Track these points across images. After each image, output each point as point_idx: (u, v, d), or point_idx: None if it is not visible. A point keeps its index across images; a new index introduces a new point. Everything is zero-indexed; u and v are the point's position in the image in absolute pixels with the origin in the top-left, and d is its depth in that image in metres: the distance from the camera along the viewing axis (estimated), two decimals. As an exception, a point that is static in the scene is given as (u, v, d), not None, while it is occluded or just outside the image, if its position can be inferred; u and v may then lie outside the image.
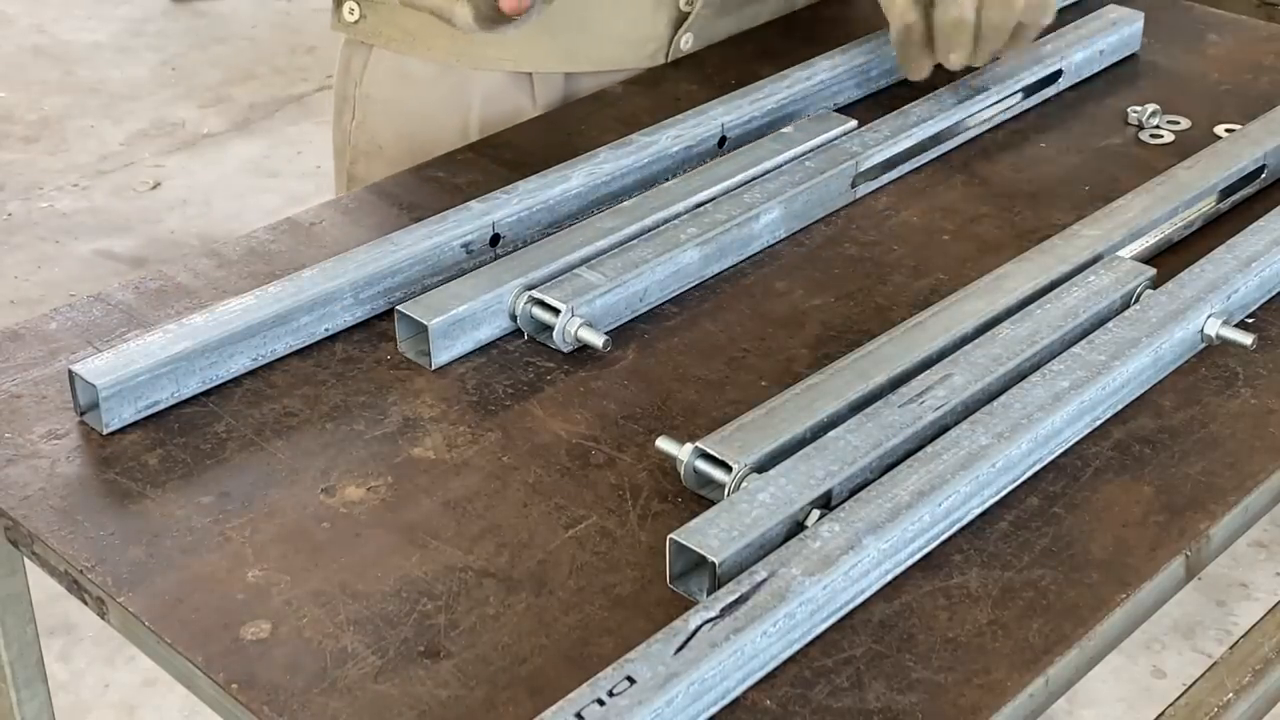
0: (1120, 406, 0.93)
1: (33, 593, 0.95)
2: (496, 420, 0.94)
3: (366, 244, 1.03)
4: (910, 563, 0.82)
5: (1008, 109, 1.24)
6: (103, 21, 4.25)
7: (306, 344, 0.99)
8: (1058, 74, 1.27)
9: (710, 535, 0.79)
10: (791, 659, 0.77)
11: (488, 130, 1.28)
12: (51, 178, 3.55)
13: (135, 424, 0.93)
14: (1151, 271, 1.00)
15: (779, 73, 1.24)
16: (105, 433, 0.92)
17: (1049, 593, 0.81)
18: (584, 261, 1.02)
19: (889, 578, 0.81)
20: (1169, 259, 1.05)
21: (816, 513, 0.82)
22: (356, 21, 1.31)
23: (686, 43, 1.31)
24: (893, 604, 0.80)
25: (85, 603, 0.84)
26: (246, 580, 0.82)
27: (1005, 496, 0.87)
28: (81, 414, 0.93)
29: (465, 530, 0.85)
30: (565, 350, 0.98)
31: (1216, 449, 0.90)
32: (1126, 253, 1.04)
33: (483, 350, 0.99)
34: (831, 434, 0.86)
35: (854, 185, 1.14)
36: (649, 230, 1.06)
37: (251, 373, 0.97)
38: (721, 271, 1.07)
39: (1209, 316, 0.97)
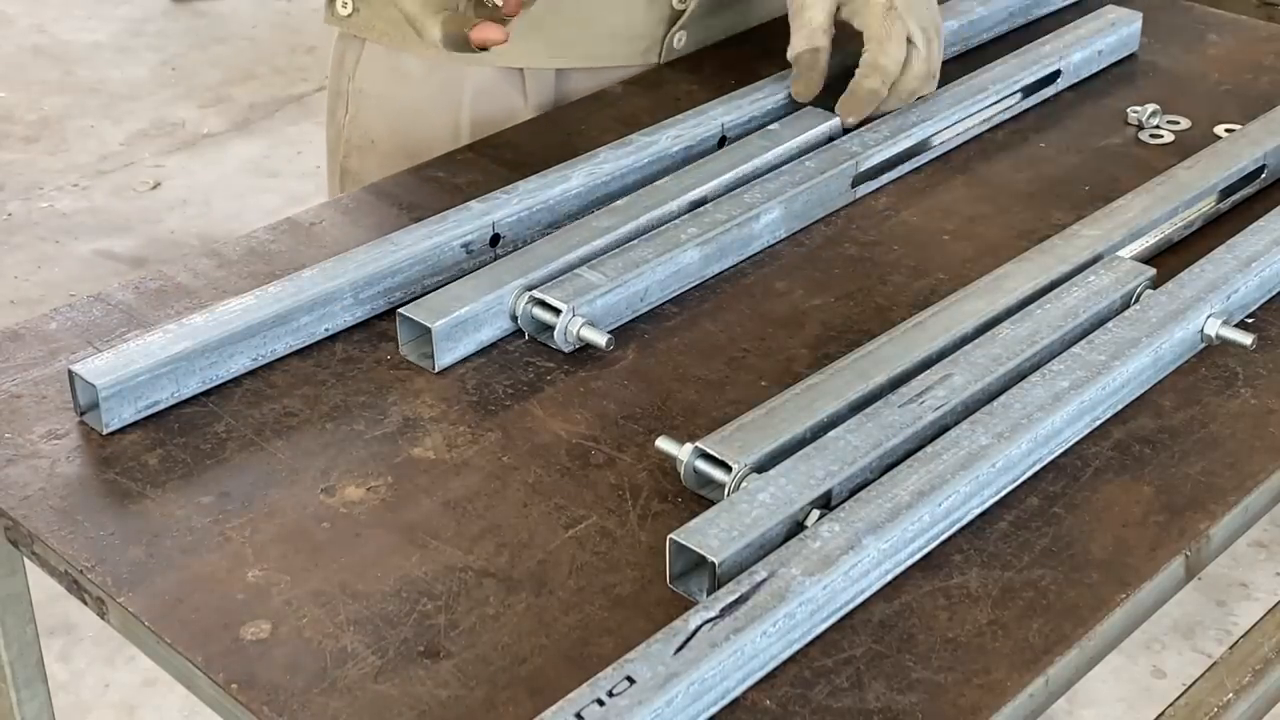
0: (1120, 406, 0.93)
1: (33, 593, 0.95)
2: (496, 420, 0.94)
3: (366, 244, 1.03)
4: (910, 563, 0.82)
5: (1007, 109, 1.24)
6: (103, 21, 4.25)
7: (306, 344, 0.99)
8: (1057, 74, 1.27)
9: (710, 535, 0.79)
10: (791, 659, 0.77)
11: (479, 126, 1.28)
12: (51, 178, 3.55)
13: (135, 424, 0.93)
14: (1151, 271, 1.00)
15: (779, 73, 1.24)
16: (105, 433, 0.92)
17: (1049, 593, 0.81)
18: (583, 261, 1.02)
19: (889, 578, 0.81)
20: (1169, 259, 1.05)
21: (816, 513, 0.82)
22: (349, 15, 1.30)
23: (679, 40, 1.30)
24: (893, 604, 0.80)
25: (85, 603, 0.84)
26: (246, 580, 0.82)
27: (1005, 496, 0.87)
28: (81, 414, 0.93)
29: (465, 530, 0.85)
30: (566, 350, 0.98)
31: (1216, 449, 0.90)
32: (1126, 253, 1.04)
33: (483, 350, 0.99)
34: (831, 434, 0.86)
35: (854, 185, 1.14)
36: (646, 229, 1.06)
37: (251, 373, 0.97)
38: (722, 271, 1.07)
39: (1209, 316, 0.97)
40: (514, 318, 1.00)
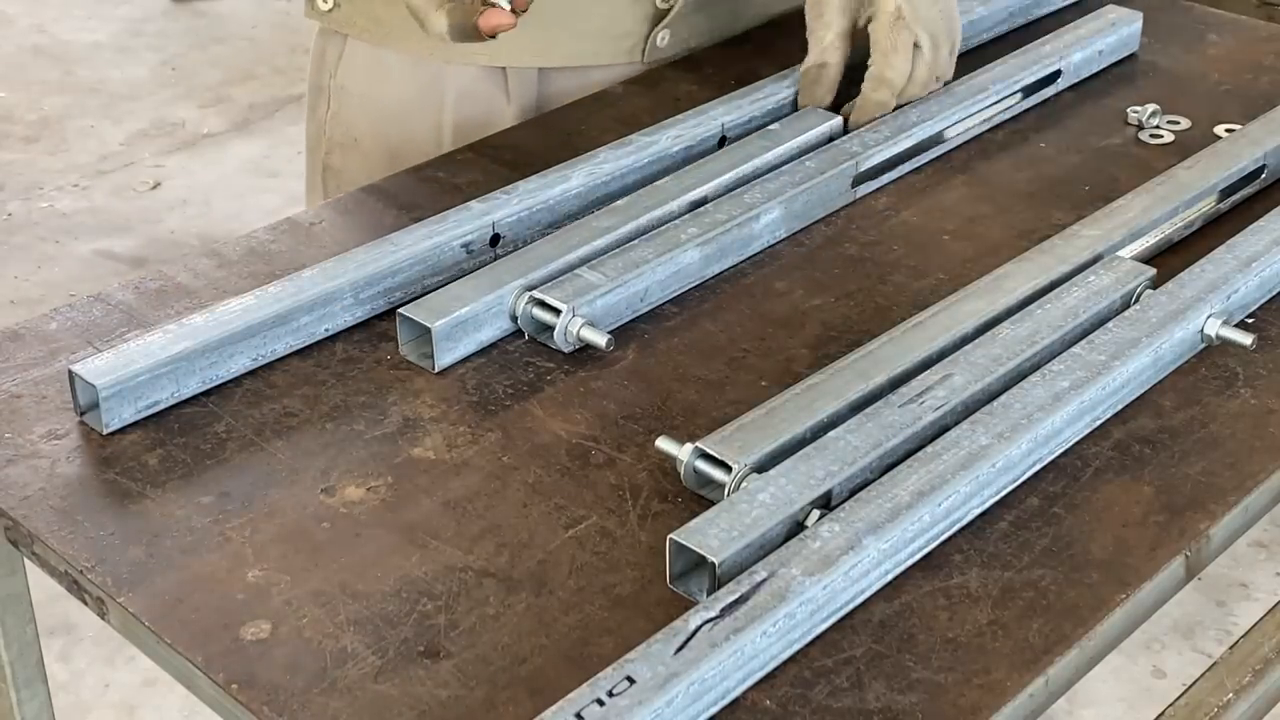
0: (1120, 406, 0.93)
1: (33, 593, 0.95)
2: (496, 420, 0.94)
3: (366, 244, 1.03)
4: (910, 563, 0.82)
5: (1007, 109, 1.24)
6: (103, 21, 4.25)
7: (306, 344, 0.99)
8: (1057, 74, 1.27)
9: (710, 535, 0.79)
10: (791, 659, 0.77)
11: (462, 126, 1.27)
12: (51, 178, 3.55)
13: (135, 424, 0.93)
14: (1151, 271, 1.00)
15: (779, 73, 1.24)
16: (105, 433, 0.92)
17: (1049, 593, 0.81)
18: (583, 261, 1.02)
19: (889, 578, 0.81)
20: (1169, 259, 1.05)
21: (816, 513, 0.82)
22: (330, 10, 1.30)
23: (663, 39, 1.30)
24: (893, 604, 0.80)
25: (85, 603, 0.84)
26: (246, 580, 0.82)
27: (1005, 496, 0.87)
28: (81, 414, 0.93)
29: (465, 530, 0.86)
30: (566, 350, 0.98)
31: (1216, 449, 0.90)
32: (1126, 253, 1.04)
33: (483, 350, 0.99)
34: (831, 434, 0.86)
35: (854, 185, 1.14)
36: (646, 229, 1.06)
37: (251, 373, 0.97)
38: (722, 271, 1.07)
39: (1209, 316, 0.97)
40: (514, 318, 1.00)
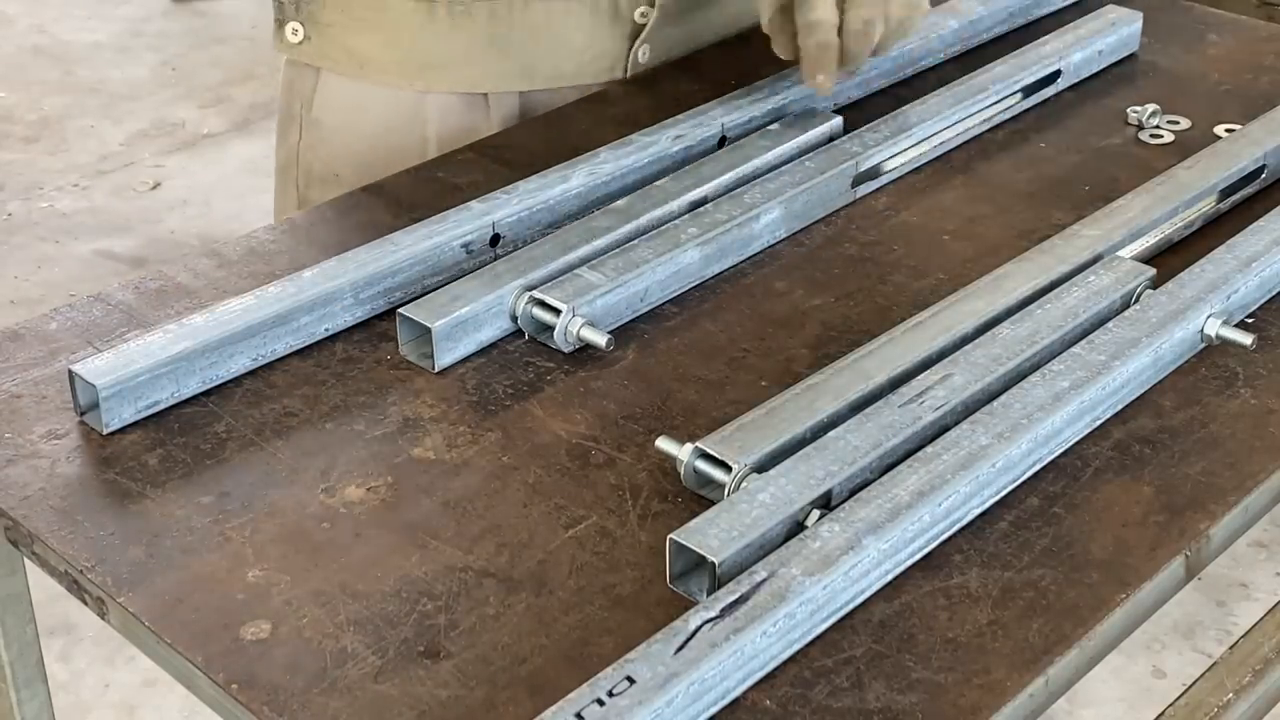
0: (1120, 406, 0.93)
1: (33, 593, 0.95)
2: (496, 420, 0.94)
3: (366, 244, 1.03)
4: (910, 563, 0.82)
5: (1007, 109, 1.24)
6: (103, 21, 4.25)
7: (306, 344, 0.99)
8: (1057, 74, 1.27)
9: (710, 535, 0.79)
10: (791, 659, 0.77)
11: (446, 151, 1.25)
12: (51, 178, 3.55)
13: (135, 424, 0.93)
14: (1151, 271, 1.00)
15: (779, 73, 1.24)
16: (105, 433, 0.92)
17: (1049, 593, 0.81)
18: (583, 262, 1.02)
19: (889, 578, 0.81)
20: (1169, 259, 1.05)
21: (816, 513, 0.82)
22: (300, 43, 1.27)
23: (644, 55, 1.29)
24: (893, 604, 0.80)
25: (85, 603, 0.84)
26: (246, 580, 0.82)
27: (1005, 496, 0.87)
28: (81, 414, 0.93)
29: (465, 530, 0.86)
30: (566, 350, 0.98)
31: (1216, 449, 0.90)
32: (1126, 253, 1.04)
33: (483, 350, 0.99)
34: (831, 434, 0.86)
35: (854, 185, 1.14)
36: (646, 229, 1.06)
37: (251, 373, 0.97)
38: (722, 272, 1.07)
39: (1209, 316, 0.97)
40: (514, 318, 1.00)
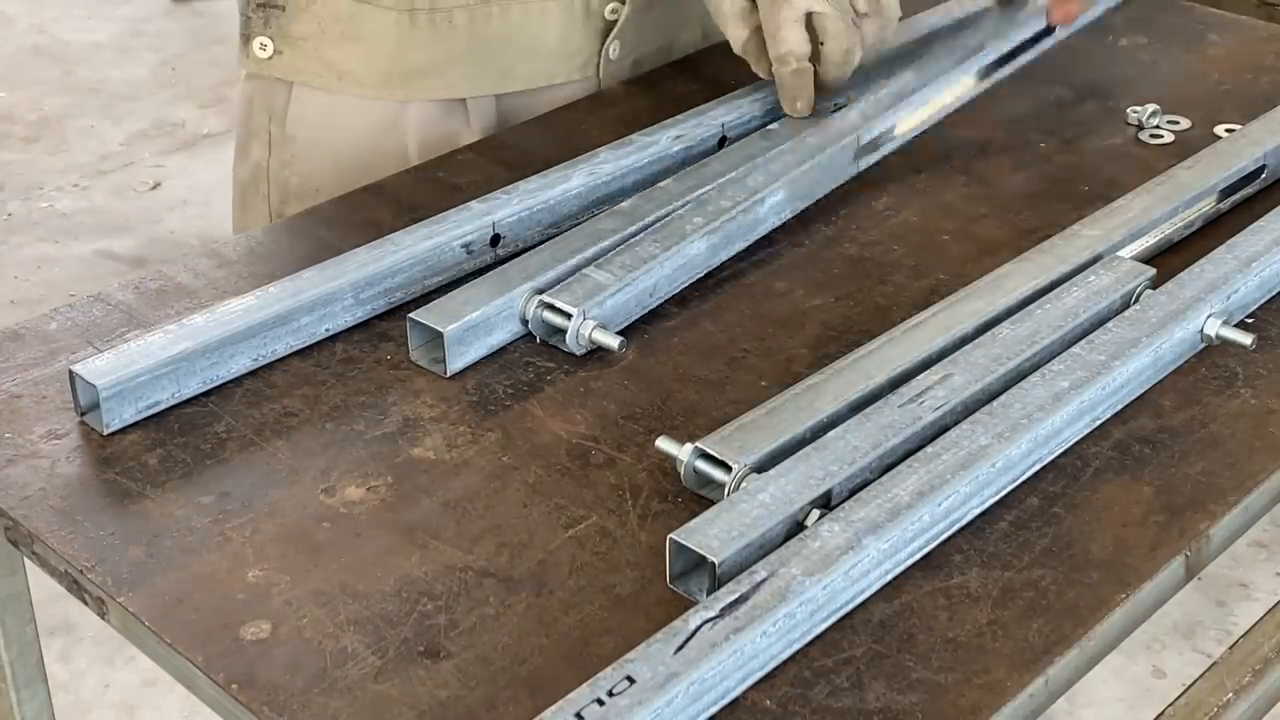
0: (1120, 406, 0.93)
1: (33, 593, 0.95)
2: (496, 420, 0.94)
3: (366, 244, 1.03)
4: (910, 563, 0.82)
5: (1008, 66, 1.26)
6: (103, 21, 4.25)
7: (307, 344, 0.99)
8: (1050, 30, 1.27)
9: (710, 535, 0.79)
10: (791, 659, 0.77)
11: (427, 158, 1.24)
12: (51, 178, 3.55)
13: (135, 424, 0.93)
14: (1151, 271, 1.00)
15: (779, 73, 1.23)
16: (105, 433, 0.92)
17: (1049, 593, 0.81)
18: (590, 262, 1.02)
19: (889, 578, 0.81)
20: (1169, 259, 1.05)
21: (816, 513, 0.82)
22: (269, 58, 1.25)
23: (614, 51, 1.28)
24: (893, 604, 0.80)
25: (85, 603, 0.84)
26: (246, 580, 0.82)
27: (1005, 496, 0.87)
28: (82, 414, 0.93)
29: (465, 530, 0.86)
30: (579, 353, 0.98)
31: (1216, 449, 0.90)
32: (1126, 253, 1.04)
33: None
34: (831, 434, 0.86)
35: (856, 158, 1.14)
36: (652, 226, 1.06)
37: (252, 373, 0.97)
38: (727, 261, 1.06)
39: (1209, 316, 0.97)
40: (524, 321, 0.99)
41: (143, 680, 2.23)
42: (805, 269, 1.07)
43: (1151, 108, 1.24)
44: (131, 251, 3.27)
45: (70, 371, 0.93)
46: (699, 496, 0.87)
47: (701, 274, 1.05)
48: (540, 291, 0.99)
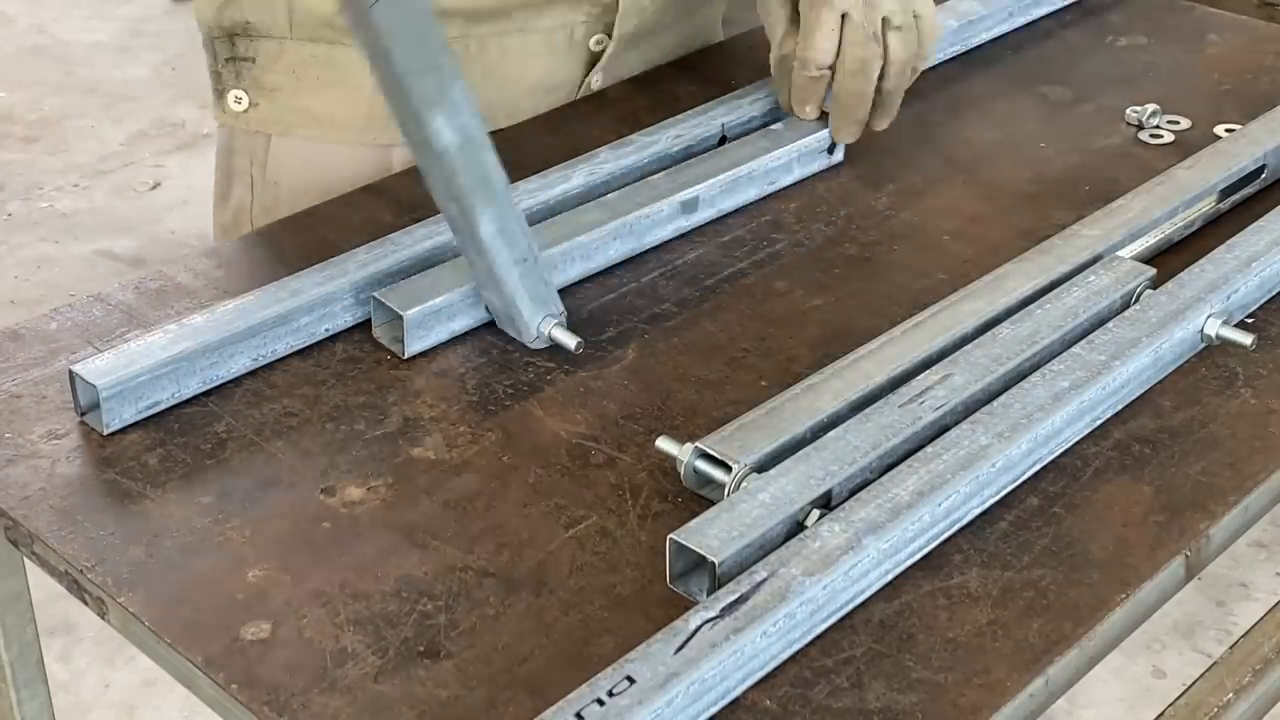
0: (1120, 406, 0.93)
1: (33, 593, 0.95)
2: (496, 420, 0.94)
3: (366, 244, 1.03)
4: (910, 563, 0.82)
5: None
6: (103, 21, 4.25)
7: (307, 344, 0.99)
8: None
9: (710, 535, 0.79)
10: (791, 659, 0.77)
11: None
12: (51, 178, 3.55)
13: (135, 424, 0.93)
14: (1151, 271, 1.00)
15: (779, 73, 1.24)
16: (105, 433, 0.92)
17: (1049, 593, 0.81)
18: (564, 255, 1.03)
19: (889, 578, 0.81)
20: (1169, 259, 1.05)
21: (816, 513, 0.82)
22: (246, 110, 1.23)
23: (597, 82, 1.28)
24: (893, 604, 0.80)
25: (85, 603, 0.84)
26: (246, 580, 0.82)
27: (1005, 496, 0.87)
28: (82, 414, 0.93)
29: (465, 530, 0.86)
30: (538, 348, 0.98)
31: (1216, 449, 0.90)
32: (1126, 253, 1.04)
33: (483, 350, 0.99)
34: (831, 434, 0.86)
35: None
36: (633, 223, 1.07)
37: (252, 373, 0.97)
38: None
39: (1209, 316, 0.97)
40: (488, 308, 1.00)
41: (143, 680, 2.23)
42: (805, 269, 1.07)
43: (1151, 108, 1.24)
44: (131, 251, 3.27)
45: (70, 371, 0.93)
46: (699, 496, 0.87)
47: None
48: None
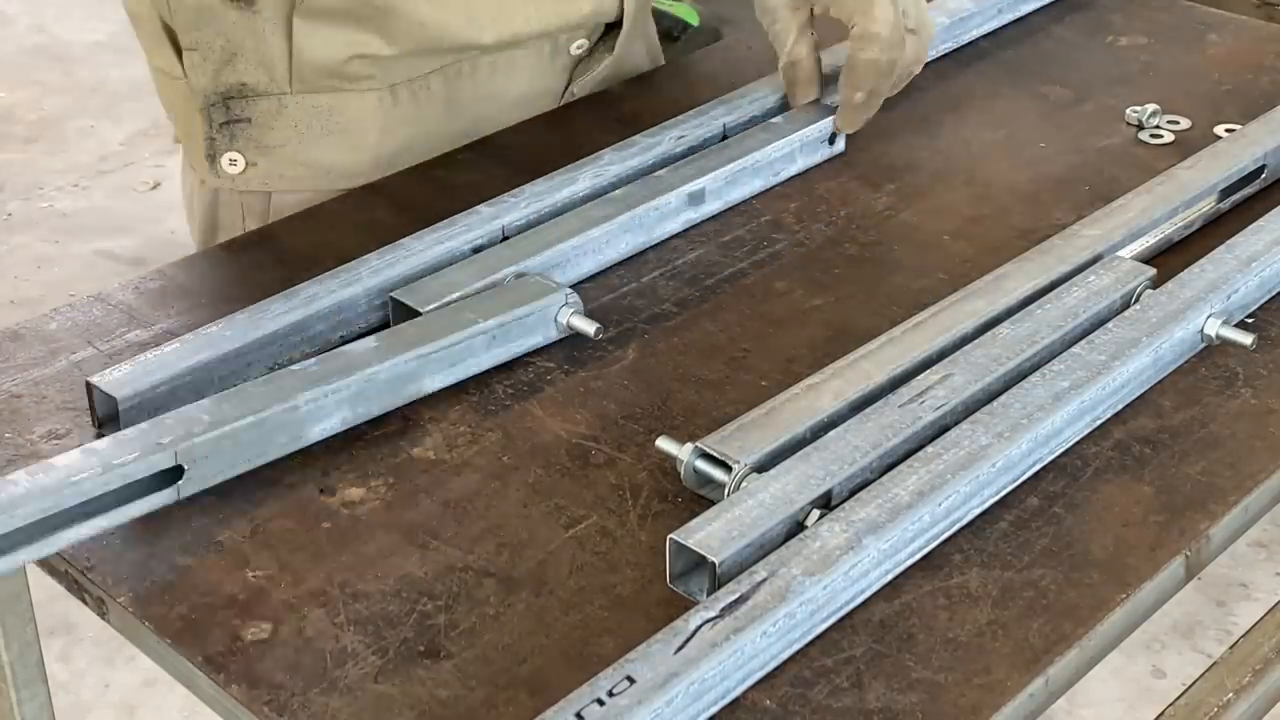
0: (1120, 406, 0.93)
1: (33, 593, 0.95)
2: (496, 420, 0.94)
3: (378, 250, 1.02)
4: (910, 563, 0.82)
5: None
6: (103, 21, 4.25)
7: (320, 350, 0.99)
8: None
9: (710, 535, 0.79)
10: (791, 659, 0.77)
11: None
12: (51, 178, 3.54)
13: (136, 424, 0.93)
14: (1151, 271, 1.00)
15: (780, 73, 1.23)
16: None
17: (1049, 593, 0.81)
18: (576, 250, 1.03)
19: (889, 578, 0.81)
20: (1169, 259, 1.05)
21: (816, 513, 0.82)
22: (244, 171, 1.19)
23: (580, 87, 1.28)
24: (893, 604, 0.80)
25: (85, 603, 0.84)
26: (246, 580, 0.82)
27: (1005, 496, 0.87)
28: (99, 425, 0.92)
29: (465, 530, 0.86)
30: (559, 337, 0.98)
31: (1216, 449, 0.90)
32: (1126, 253, 1.04)
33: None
34: (831, 434, 0.86)
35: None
36: (642, 217, 1.07)
37: (253, 373, 0.97)
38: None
39: (1209, 316, 0.97)
40: None
41: (143, 680, 2.23)
42: (805, 269, 1.07)
43: (1151, 108, 1.24)
44: (131, 251, 3.27)
45: (87, 383, 0.91)
46: (699, 496, 0.87)
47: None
48: (522, 276, 0.99)
